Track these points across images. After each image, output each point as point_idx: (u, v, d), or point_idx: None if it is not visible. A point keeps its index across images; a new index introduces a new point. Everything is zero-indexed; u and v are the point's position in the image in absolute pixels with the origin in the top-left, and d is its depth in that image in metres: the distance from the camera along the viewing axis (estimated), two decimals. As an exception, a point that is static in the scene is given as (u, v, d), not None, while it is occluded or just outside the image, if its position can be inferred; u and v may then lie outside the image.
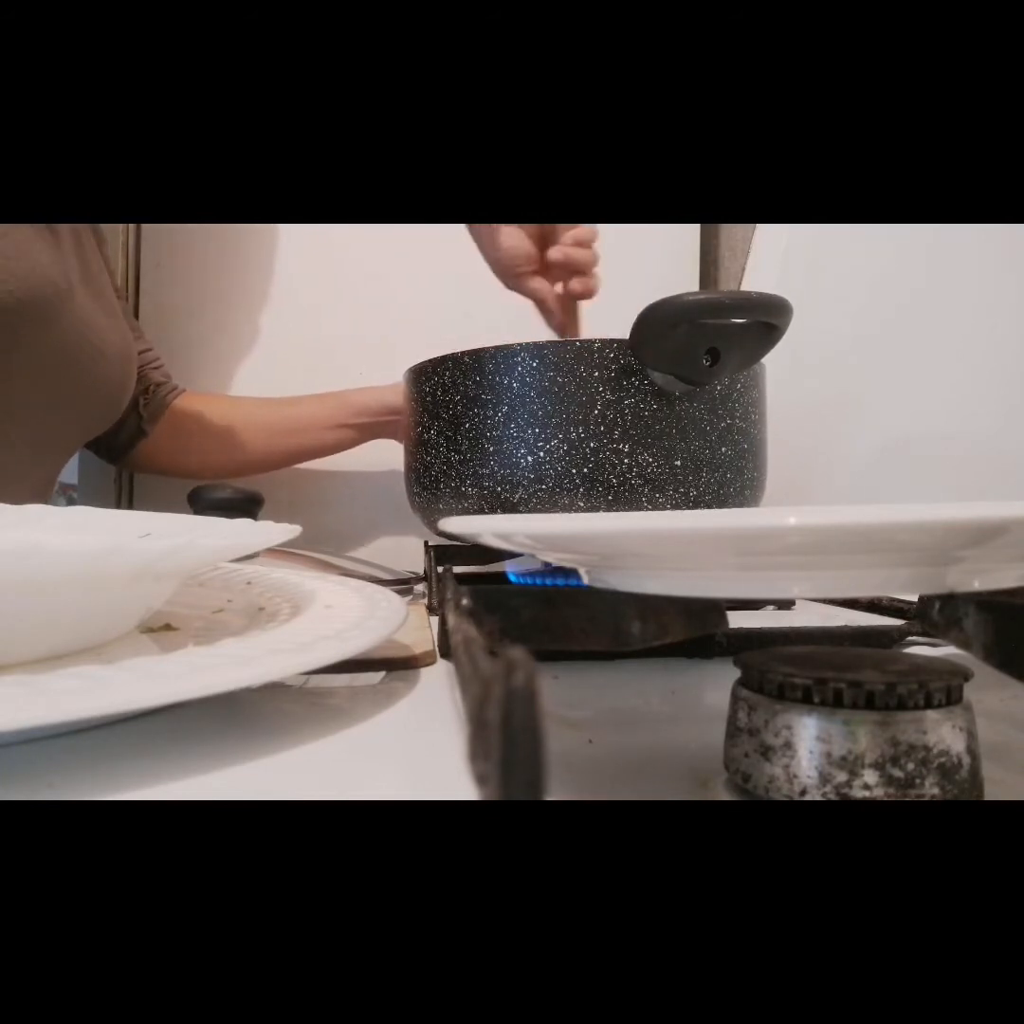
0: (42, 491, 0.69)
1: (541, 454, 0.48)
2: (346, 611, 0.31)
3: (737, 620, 0.33)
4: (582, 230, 0.65)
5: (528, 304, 0.73)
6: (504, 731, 0.12)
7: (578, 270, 0.65)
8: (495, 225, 0.65)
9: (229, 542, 0.30)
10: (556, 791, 0.20)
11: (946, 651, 0.33)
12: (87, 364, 0.64)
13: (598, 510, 0.48)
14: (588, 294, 0.66)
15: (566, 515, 0.35)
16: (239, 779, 0.21)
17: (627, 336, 0.47)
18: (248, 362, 0.92)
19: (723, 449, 0.50)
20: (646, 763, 0.23)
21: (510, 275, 0.67)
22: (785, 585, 0.20)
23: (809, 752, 0.18)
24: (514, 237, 0.65)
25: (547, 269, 0.66)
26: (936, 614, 0.28)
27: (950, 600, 0.27)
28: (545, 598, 0.29)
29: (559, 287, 0.67)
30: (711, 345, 0.46)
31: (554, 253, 0.64)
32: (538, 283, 0.66)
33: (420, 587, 0.62)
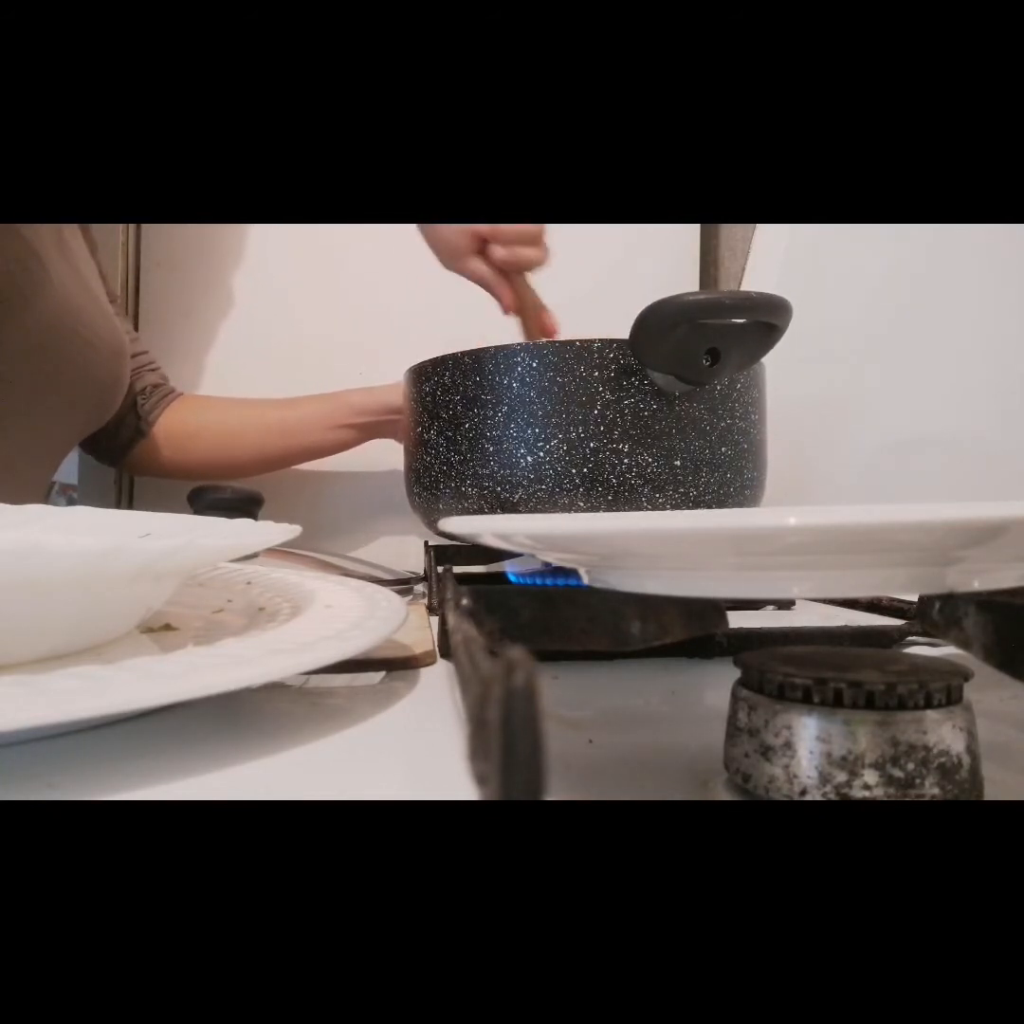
0: (36, 490, 0.69)
1: (541, 454, 0.48)
2: (346, 611, 0.31)
3: (737, 620, 0.33)
4: (528, 227, 0.63)
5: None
6: (504, 731, 0.12)
7: (511, 241, 0.63)
8: None
9: (229, 542, 0.30)
10: (556, 791, 0.20)
11: (946, 651, 0.33)
12: (74, 354, 0.64)
13: (598, 510, 0.48)
14: (524, 266, 0.64)
15: (566, 515, 0.35)
16: (239, 779, 0.21)
17: (627, 336, 0.47)
18: (248, 362, 0.92)
19: (723, 449, 0.50)
20: (646, 763, 0.23)
21: (451, 257, 0.65)
22: (785, 585, 0.20)
23: (809, 752, 0.18)
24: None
25: (486, 251, 0.64)
26: (936, 614, 0.28)
27: (950, 600, 0.27)
28: (545, 598, 0.29)
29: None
30: (711, 345, 0.46)
31: (499, 252, 0.63)
32: (477, 265, 0.64)
33: (420, 587, 0.62)
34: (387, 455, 0.81)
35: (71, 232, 0.68)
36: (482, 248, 0.65)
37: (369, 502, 0.91)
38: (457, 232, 0.64)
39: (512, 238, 0.63)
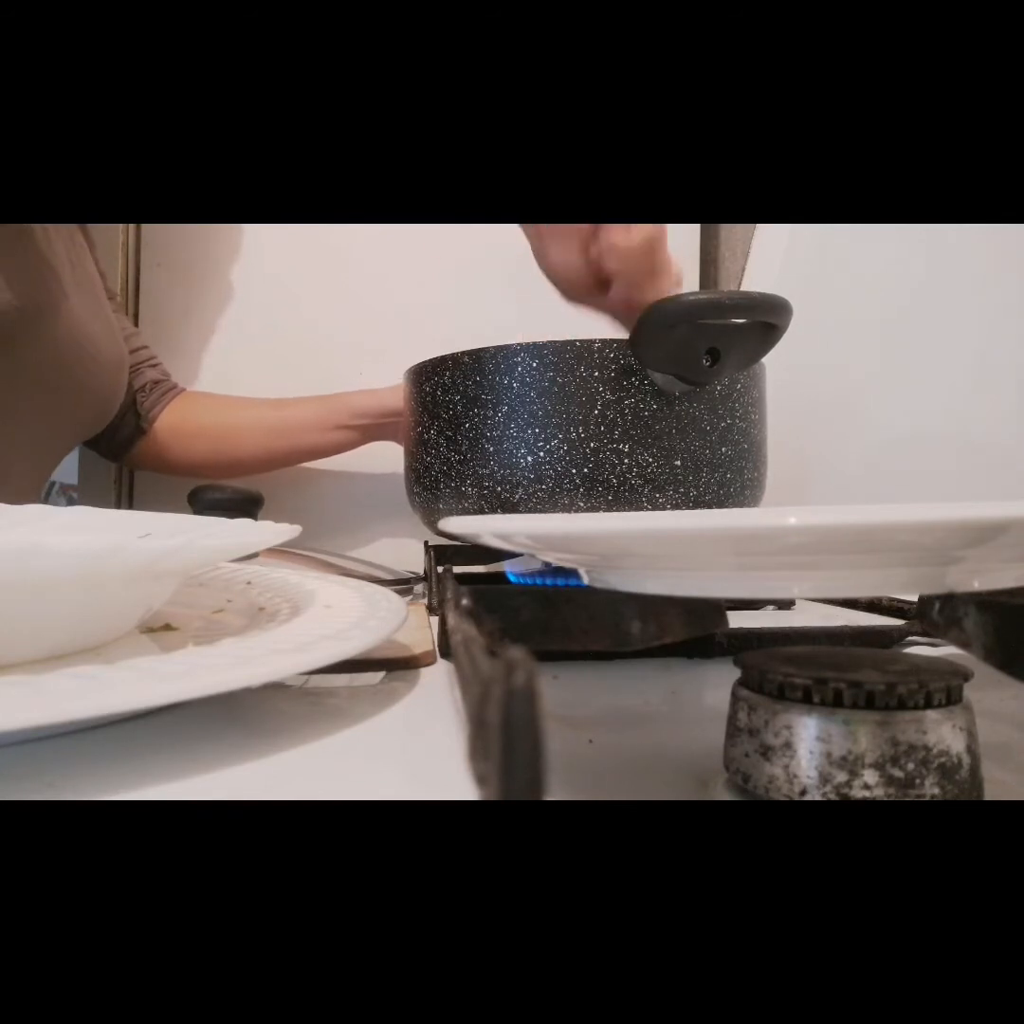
0: (34, 491, 0.70)
1: (541, 454, 0.48)
2: (346, 611, 0.31)
3: (737, 620, 0.33)
4: (627, 237, 0.53)
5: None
6: (504, 731, 0.12)
7: (637, 279, 0.54)
8: (544, 234, 0.55)
9: (229, 542, 0.30)
10: (556, 791, 0.20)
11: (946, 651, 0.33)
12: (80, 371, 0.64)
13: (598, 510, 0.48)
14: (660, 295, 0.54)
15: (566, 515, 0.35)
16: (239, 779, 0.21)
17: (627, 336, 0.47)
18: (248, 362, 0.92)
19: (723, 449, 0.50)
20: (646, 763, 0.23)
21: (574, 290, 0.57)
22: (785, 585, 0.20)
23: (809, 752, 0.18)
24: (562, 250, 0.54)
25: (607, 281, 0.55)
26: (936, 614, 0.28)
27: (950, 600, 0.27)
28: (545, 598, 0.29)
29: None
30: (711, 345, 0.46)
31: (619, 292, 0.54)
32: (601, 301, 0.56)
33: (420, 587, 0.62)
34: (387, 456, 0.81)
35: (81, 246, 0.68)
36: (599, 280, 0.56)
37: (369, 503, 0.91)
38: (567, 262, 0.55)
39: (633, 279, 0.53)
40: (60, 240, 0.63)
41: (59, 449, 0.72)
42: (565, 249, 0.55)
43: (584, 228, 0.53)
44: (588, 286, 0.58)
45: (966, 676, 0.19)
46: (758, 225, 0.88)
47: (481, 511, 0.51)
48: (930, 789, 0.17)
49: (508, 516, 0.26)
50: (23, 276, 0.56)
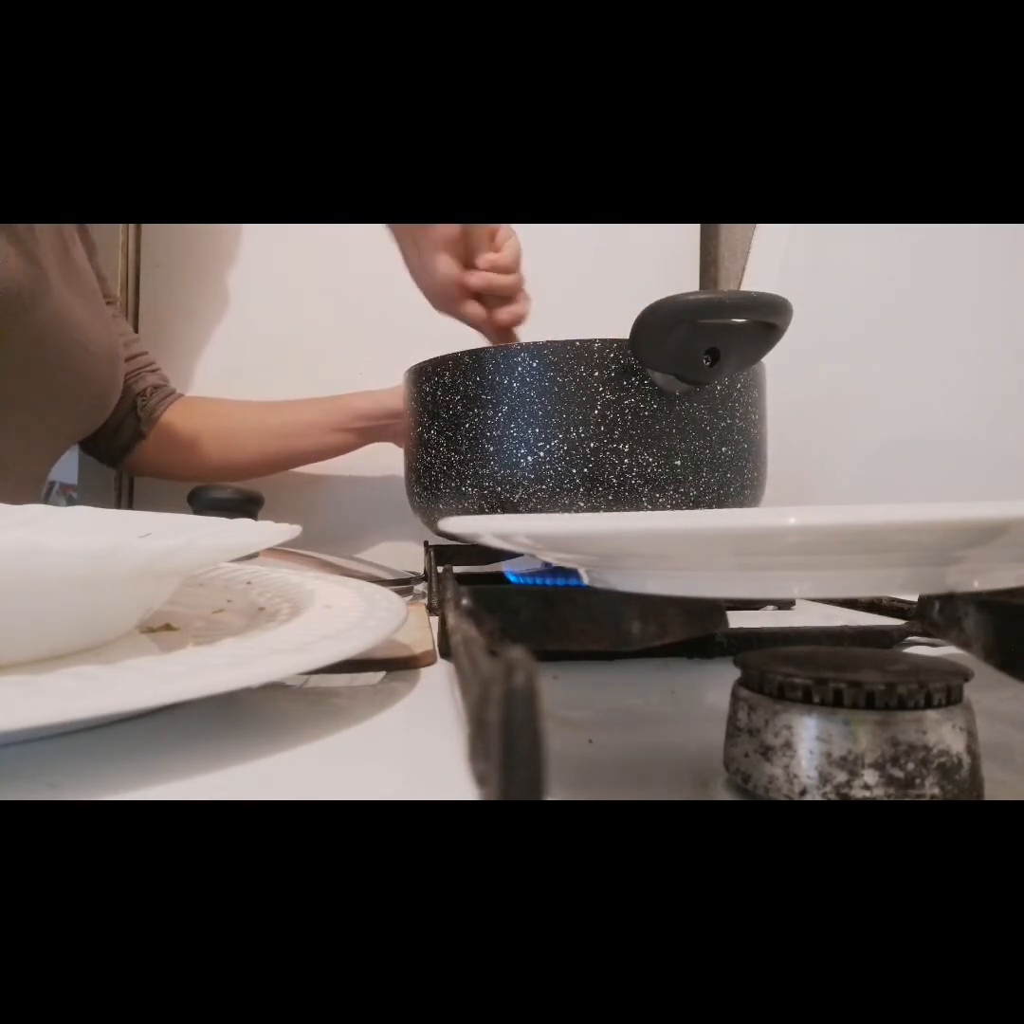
0: (31, 491, 0.69)
1: (541, 454, 0.48)
2: (346, 611, 0.31)
3: (737, 620, 0.33)
4: (502, 256, 0.63)
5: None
6: (504, 731, 0.12)
7: (502, 297, 0.64)
8: (428, 251, 0.63)
9: (229, 542, 0.30)
10: (556, 791, 0.20)
11: (946, 651, 0.33)
12: (68, 359, 0.64)
13: (598, 510, 0.48)
14: (516, 323, 0.65)
15: (566, 515, 0.35)
16: (239, 779, 0.21)
17: (627, 336, 0.47)
18: (247, 362, 0.92)
19: (723, 449, 0.50)
20: (646, 763, 0.23)
21: (444, 301, 0.65)
22: (785, 585, 0.20)
23: (809, 752, 0.18)
24: (446, 264, 0.63)
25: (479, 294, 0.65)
26: (936, 614, 0.28)
27: (950, 600, 0.27)
28: (545, 598, 0.29)
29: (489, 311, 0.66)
30: (711, 345, 0.46)
31: (474, 280, 0.63)
32: (473, 307, 0.65)
33: (420, 587, 0.62)
34: (387, 459, 0.81)
35: (71, 238, 0.68)
36: (474, 295, 0.65)
37: (369, 504, 0.91)
38: (450, 274, 0.64)
39: (484, 264, 0.63)
40: (45, 231, 0.63)
41: (56, 446, 0.72)
42: (449, 263, 0.63)
43: (452, 232, 0.61)
44: (464, 297, 0.65)
45: (966, 676, 0.19)
46: (758, 225, 0.88)
47: (481, 511, 0.51)
48: (930, 789, 0.17)
49: (508, 516, 0.26)
50: (2, 259, 0.57)
